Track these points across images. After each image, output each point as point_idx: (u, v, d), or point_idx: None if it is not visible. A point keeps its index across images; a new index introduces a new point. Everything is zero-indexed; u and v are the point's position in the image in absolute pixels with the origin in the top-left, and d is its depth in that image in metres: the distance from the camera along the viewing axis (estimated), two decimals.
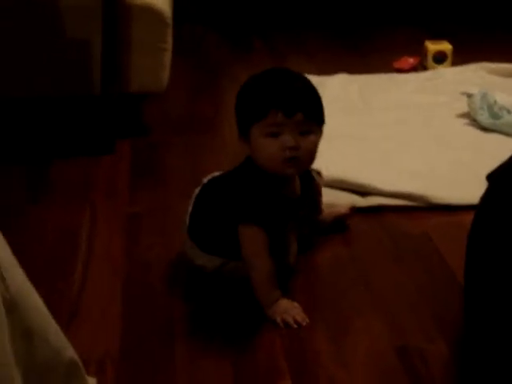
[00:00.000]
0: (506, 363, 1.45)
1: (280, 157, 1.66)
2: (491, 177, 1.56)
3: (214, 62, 3.27)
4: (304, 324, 1.66)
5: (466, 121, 2.64)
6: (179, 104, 2.86)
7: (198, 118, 2.73)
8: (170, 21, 2.51)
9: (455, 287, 1.76)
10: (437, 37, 3.28)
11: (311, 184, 1.84)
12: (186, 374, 1.53)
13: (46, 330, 1.12)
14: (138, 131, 2.62)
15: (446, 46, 3.16)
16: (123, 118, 2.60)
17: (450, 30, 3.59)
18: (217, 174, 1.85)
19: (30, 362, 1.09)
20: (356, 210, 2.07)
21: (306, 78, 1.74)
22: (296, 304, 1.70)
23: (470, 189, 2.08)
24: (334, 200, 2.09)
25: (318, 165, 2.26)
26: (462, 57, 3.17)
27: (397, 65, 3.17)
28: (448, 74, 3.06)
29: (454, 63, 3.14)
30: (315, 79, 2.97)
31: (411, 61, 3.17)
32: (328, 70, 3.11)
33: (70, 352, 1.17)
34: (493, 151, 2.30)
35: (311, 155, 1.71)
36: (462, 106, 2.68)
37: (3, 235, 1.13)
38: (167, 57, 2.54)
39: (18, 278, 1.10)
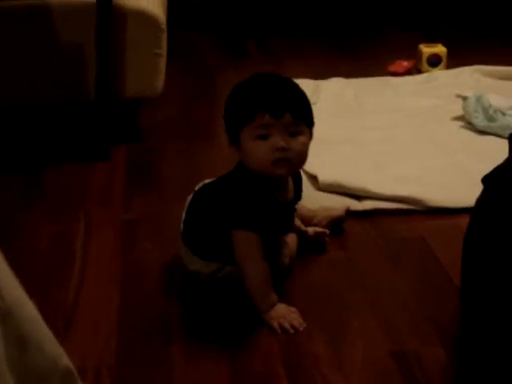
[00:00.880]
0: (503, 365, 1.45)
1: (270, 158, 1.65)
2: (486, 179, 1.56)
3: (208, 67, 3.27)
4: (301, 329, 1.66)
5: (460, 123, 2.64)
6: (174, 109, 2.86)
7: (193, 124, 2.73)
8: (164, 26, 2.51)
9: (451, 290, 1.76)
10: (431, 40, 3.28)
11: (300, 187, 1.83)
12: (182, 380, 1.53)
13: (40, 339, 1.11)
14: (132, 137, 2.62)
15: (440, 49, 3.16)
16: (118, 124, 2.60)
17: (445, 33, 3.59)
18: (208, 181, 1.85)
19: (25, 370, 1.08)
20: (352, 214, 2.07)
21: (292, 81, 1.73)
22: (293, 309, 1.70)
23: (465, 192, 2.08)
24: (329, 204, 2.09)
25: (313, 169, 2.28)
26: (456, 60, 3.18)
27: (391, 68, 3.17)
28: (443, 77, 3.06)
29: (449, 66, 3.15)
30: (310, 83, 3.00)
31: (406, 64, 3.18)
32: (323, 74, 3.11)
33: (65, 360, 1.16)
34: (488, 154, 2.29)
35: (302, 156, 1.70)
36: (457, 108, 2.68)
37: None
38: (162, 62, 2.54)
39: (12, 287, 1.09)
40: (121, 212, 2.15)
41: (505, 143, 1.52)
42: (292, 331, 1.65)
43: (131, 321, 1.70)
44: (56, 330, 1.25)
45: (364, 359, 1.57)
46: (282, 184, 1.74)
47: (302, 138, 1.69)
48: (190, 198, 1.84)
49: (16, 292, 1.10)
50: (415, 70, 3.17)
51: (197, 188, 1.84)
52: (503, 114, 2.60)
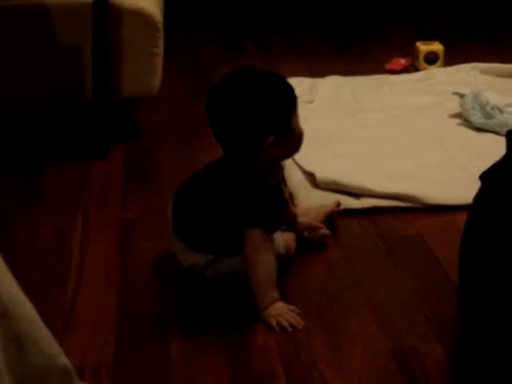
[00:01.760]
0: (502, 363, 1.45)
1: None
2: (484, 177, 1.56)
3: (206, 65, 3.27)
4: (299, 327, 1.66)
5: (458, 121, 2.64)
6: (172, 108, 2.86)
7: (191, 122, 2.72)
8: (161, 25, 2.50)
9: (449, 287, 1.76)
10: (428, 38, 3.28)
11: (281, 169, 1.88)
12: (181, 378, 1.53)
13: (38, 338, 1.11)
14: (130, 136, 2.61)
15: (437, 47, 3.16)
16: (115, 123, 2.60)
17: (441, 30, 3.60)
18: None
19: (23, 369, 1.08)
20: (350, 212, 2.07)
21: None
22: (292, 307, 1.70)
23: (463, 189, 2.08)
24: (326, 202, 2.10)
25: (310, 167, 2.28)
26: (453, 57, 3.18)
27: (388, 66, 3.17)
28: (440, 75, 3.06)
29: (446, 64, 3.15)
30: (308, 81, 3.00)
31: (403, 62, 3.18)
32: (320, 71, 3.11)
33: (63, 359, 1.16)
34: (485, 151, 2.29)
35: None
36: (455, 106, 2.68)
37: None
38: (159, 61, 2.53)
39: (10, 286, 1.09)
40: (119, 211, 2.15)
41: (502, 140, 1.52)
42: (290, 329, 1.65)
43: (130, 320, 1.70)
44: (54, 330, 1.25)
45: (363, 357, 1.57)
46: (275, 169, 1.78)
47: None
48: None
49: (14, 291, 1.10)
50: (412, 68, 3.17)
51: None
52: (501, 111, 2.60)
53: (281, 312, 1.67)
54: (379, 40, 3.57)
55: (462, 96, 2.65)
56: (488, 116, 2.57)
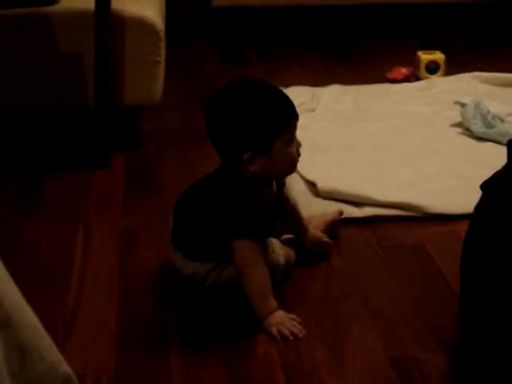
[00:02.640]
0: (502, 372, 1.45)
1: (296, 158, 1.75)
2: (485, 186, 1.56)
3: (208, 74, 3.27)
4: (300, 336, 1.66)
5: (459, 130, 2.65)
6: (173, 116, 2.86)
7: (193, 131, 2.73)
8: (162, 33, 2.51)
9: (450, 297, 1.76)
10: (429, 47, 3.29)
11: (281, 186, 1.85)
12: None
13: (40, 346, 1.11)
14: (132, 144, 2.62)
15: (438, 56, 3.16)
16: (117, 131, 2.60)
17: (443, 40, 3.60)
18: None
19: (25, 377, 1.09)
20: (351, 221, 2.07)
21: None
22: (292, 316, 1.70)
23: (464, 198, 2.08)
24: (327, 211, 2.10)
25: (312, 176, 2.28)
26: (454, 66, 3.18)
27: (390, 75, 3.17)
28: (441, 84, 3.07)
29: (447, 73, 3.15)
30: (309, 90, 3.00)
31: (404, 71, 3.18)
32: (321, 81, 3.12)
33: (65, 367, 1.16)
34: (486, 160, 2.31)
35: None
36: (456, 115, 2.68)
37: None
38: (160, 69, 2.54)
39: (12, 294, 1.09)
40: (120, 219, 2.15)
41: (503, 150, 1.52)
42: (291, 338, 1.65)
43: (130, 328, 1.70)
44: (55, 337, 1.25)
45: (364, 366, 1.57)
46: (270, 185, 1.77)
47: None
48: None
49: (16, 299, 1.10)
50: (413, 77, 3.18)
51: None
52: (502, 120, 2.60)
53: (282, 321, 1.67)
54: (381, 49, 3.57)
55: (463, 105, 2.65)
56: (489, 125, 2.58)
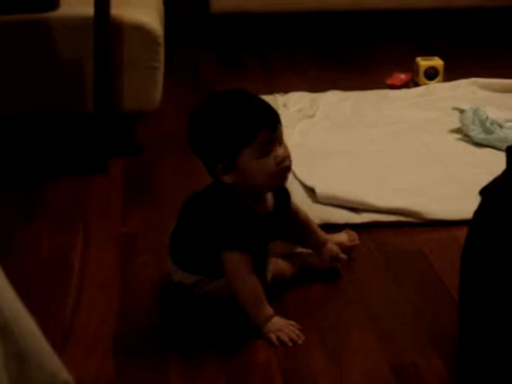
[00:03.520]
0: (502, 379, 1.45)
1: (275, 171, 1.67)
2: (484, 192, 1.56)
3: (206, 80, 3.27)
4: (300, 342, 1.65)
5: (458, 136, 2.65)
6: (172, 122, 2.86)
7: None
8: (161, 39, 2.51)
9: (450, 303, 1.76)
10: (428, 53, 3.29)
11: (286, 200, 1.82)
12: None
13: (39, 353, 1.11)
14: (130, 150, 2.62)
15: (437, 62, 3.17)
16: (116, 137, 2.60)
17: (441, 46, 3.61)
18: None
19: None
20: (350, 227, 2.07)
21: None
22: (292, 322, 1.69)
23: (463, 204, 2.08)
24: (327, 217, 2.09)
25: (311, 182, 2.28)
26: (453, 72, 3.18)
27: (389, 81, 3.18)
28: (440, 90, 3.07)
29: (446, 79, 3.15)
30: (308, 96, 3.01)
31: (403, 77, 3.18)
32: (320, 87, 3.12)
33: (65, 375, 1.16)
34: (485, 166, 2.30)
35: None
36: (454, 121, 2.69)
37: None
38: (159, 75, 2.54)
39: (11, 301, 1.09)
40: (119, 225, 2.15)
41: (502, 155, 1.52)
42: (290, 344, 1.64)
43: (129, 334, 1.70)
44: (54, 343, 1.25)
45: (363, 372, 1.57)
46: (261, 198, 1.74)
47: (285, 143, 1.71)
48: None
49: (15, 306, 1.10)
50: (412, 83, 3.18)
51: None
52: (500, 126, 2.60)
53: (281, 327, 1.67)
54: (380, 55, 3.58)
55: (461, 111, 2.66)
56: (488, 131, 2.58)
